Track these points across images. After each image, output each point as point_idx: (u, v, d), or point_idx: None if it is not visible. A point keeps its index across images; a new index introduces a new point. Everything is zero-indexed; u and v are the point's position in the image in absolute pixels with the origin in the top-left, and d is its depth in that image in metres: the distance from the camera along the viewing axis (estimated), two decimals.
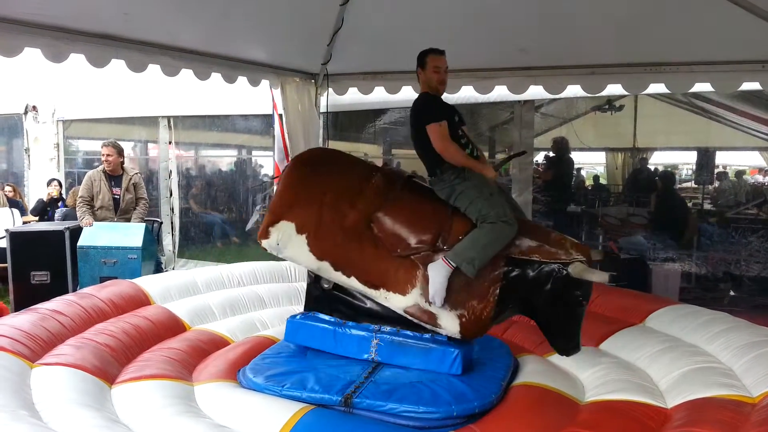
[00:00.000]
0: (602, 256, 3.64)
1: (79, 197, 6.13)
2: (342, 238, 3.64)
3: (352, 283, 3.65)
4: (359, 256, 3.61)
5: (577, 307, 3.42)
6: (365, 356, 3.64)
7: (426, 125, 3.57)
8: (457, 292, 3.45)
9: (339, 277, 3.67)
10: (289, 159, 5.89)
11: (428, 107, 3.67)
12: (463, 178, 3.54)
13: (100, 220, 6.06)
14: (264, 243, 3.78)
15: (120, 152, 6.23)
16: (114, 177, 6.19)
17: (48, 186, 8.21)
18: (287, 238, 3.70)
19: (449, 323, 3.47)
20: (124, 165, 6.32)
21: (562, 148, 6.97)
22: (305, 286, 4.10)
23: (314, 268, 3.73)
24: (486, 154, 7.98)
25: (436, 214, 3.63)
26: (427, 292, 3.46)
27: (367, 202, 3.67)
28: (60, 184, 8.34)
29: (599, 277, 3.23)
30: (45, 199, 8.13)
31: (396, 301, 3.56)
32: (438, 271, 3.42)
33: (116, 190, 6.17)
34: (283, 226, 3.71)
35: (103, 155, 6.16)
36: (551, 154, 7.07)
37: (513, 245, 3.43)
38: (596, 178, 7.85)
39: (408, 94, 5.64)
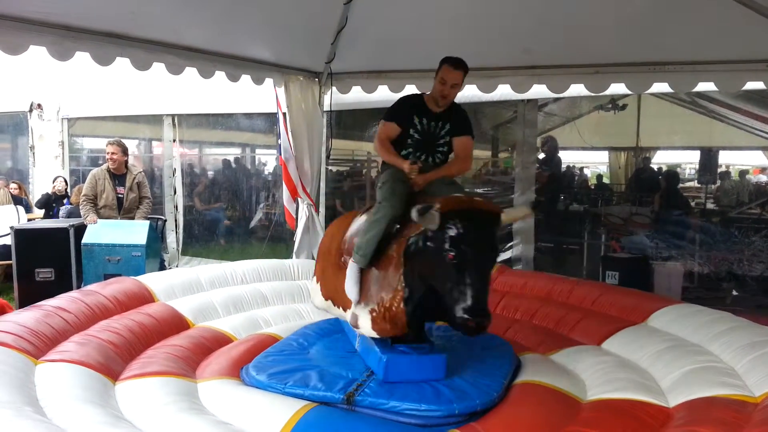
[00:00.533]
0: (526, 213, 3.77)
1: (83, 195, 6.14)
2: (334, 275, 3.95)
3: (339, 312, 3.85)
4: (340, 286, 3.77)
5: (446, 262, 2.92)
6: (355, 346, 3.82)
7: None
8: (370, 288, 3.47)
9: (337, 312, 3.91)
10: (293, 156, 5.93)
11: (392, 105, 3.83)
12: (382, 173, 3.76)
13: (103, 219, 6.08)
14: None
15: (125, 151, 6.25)
16: (118, 176, 6.20)
17: (53, 182, 8.25)
18: (315, 291, 4.23)
19: (364, 321, 3.41)
20: (129, 164, 6.33)
21: (552, 147, 6.98)
22: (308, 283, 4.30)
23: (325, 308, 4.10)
24: (488, 152, 8.04)
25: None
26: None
27: (339, 236, 4.02)
28: (65, 181, 8.38)
29: (427, 222, 2.92)
30: (50, 192, 8.17)
31: (346, 316, 3.69)
32: (348, 269, 3.60)
33: (120, 189, 6.18)
34: (313, 282, 4.30)
35: (108, 153, 6.17)
36: (542, 154, 7.08)
37: (411, 225, 3.23)
38: (599, 177, 7.83)
39: (411, 92, 5.64)
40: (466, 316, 2.83)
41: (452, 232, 2.92)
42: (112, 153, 6.13)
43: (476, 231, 2.94)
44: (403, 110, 3.74)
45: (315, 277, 4.28)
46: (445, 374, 3.40)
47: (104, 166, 6.25)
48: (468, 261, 2.90)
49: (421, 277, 3.19)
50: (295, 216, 6.18)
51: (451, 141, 3.77)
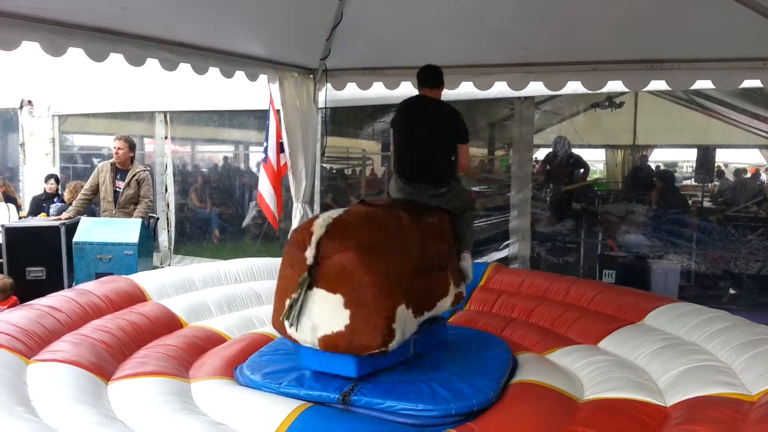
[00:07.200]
0: None
1: (83, 189, 6.22)
2: None
3: None
4: None
5: None
6: None
7: (464, 143, 3.95)
8: None
9: None
10: (281, 154, 5.89)
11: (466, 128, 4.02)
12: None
13: (102, 212, 6.13)
14: None
15: (131, 147, 6.27)
16: (121, 170, 6.22)
17: (46, 182, 8.16)
18: None
19: None
20: (134, 161, 6.32)
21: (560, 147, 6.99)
22: None
23: None
24: (485, 150, 8.03)
25: None
26: None
27: None
28: (57, 181, 8.29)
29: None
30: (41, 195, 8.08)
31: None
32: None
33: (119, 183, 6.19)
34: None
35: (114, 148, 6.21)
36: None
37: None
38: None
39: (407, 89, 5.62)
40: None
41: None
42: (118, 148, 6.16)
43: None
44: None
45: None
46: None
47: (111, 159, 6.28)
48: None
49: None
50: (275, 214, 6.14)
51: None
